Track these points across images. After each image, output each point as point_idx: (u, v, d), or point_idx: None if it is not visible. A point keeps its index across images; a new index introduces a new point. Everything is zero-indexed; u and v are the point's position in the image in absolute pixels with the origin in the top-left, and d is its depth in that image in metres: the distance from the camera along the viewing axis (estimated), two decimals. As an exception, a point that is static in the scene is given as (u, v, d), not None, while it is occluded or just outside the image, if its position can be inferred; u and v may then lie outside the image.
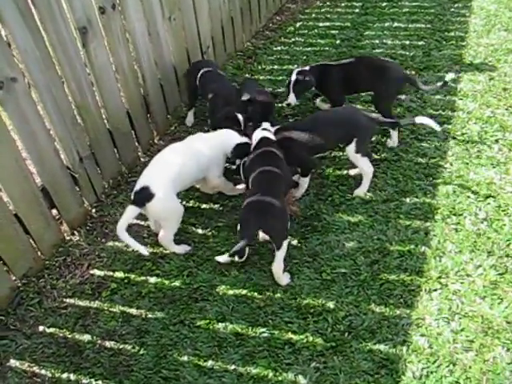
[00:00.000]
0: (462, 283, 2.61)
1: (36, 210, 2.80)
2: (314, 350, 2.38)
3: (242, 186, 3.17)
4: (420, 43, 4.76)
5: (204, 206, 3.21)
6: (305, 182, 3.14)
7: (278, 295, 2.64)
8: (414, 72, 4.31)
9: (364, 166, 3.09)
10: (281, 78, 4.39)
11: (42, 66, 2.60)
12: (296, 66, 4.53)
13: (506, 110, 3.76)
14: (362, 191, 3.13)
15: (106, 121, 3.21)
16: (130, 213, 2.71)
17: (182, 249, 2.92)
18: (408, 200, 3.08)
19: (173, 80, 3.81)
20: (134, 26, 3.26)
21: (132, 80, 3.34)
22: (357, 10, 5.59)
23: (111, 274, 2.87)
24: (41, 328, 2.63)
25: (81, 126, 3.02)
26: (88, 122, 3.05)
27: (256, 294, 2.66)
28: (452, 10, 5.39)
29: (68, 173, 2.97)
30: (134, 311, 2.65)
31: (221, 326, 2.53)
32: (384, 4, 5.65)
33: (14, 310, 2.70)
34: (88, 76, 2.97)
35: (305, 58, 4.70)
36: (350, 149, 3.02)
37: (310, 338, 2.42)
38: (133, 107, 3.40)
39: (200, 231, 3.04)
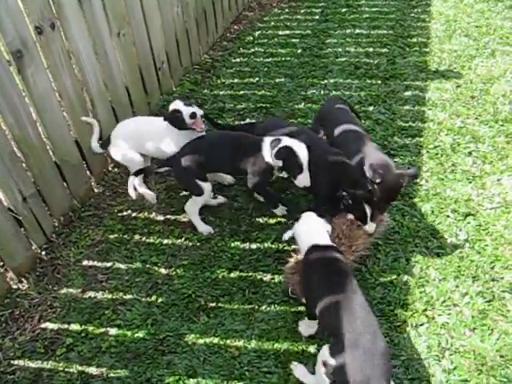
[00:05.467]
0: (449, 314, 2.44)
1: (-28, 260, 2.46)
2: (297, 405, 2.15)
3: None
4: (384, 50, 4.61)
5: (166, 241, 2.92)
6: None
7: (254, 341, 2.39)
8: (379, 81, 4.15)
9: None
10: (242, 92, 4.14)
11: (-31, 99, 2.27)
12: (257, 79, 4.30)
13: (476, 119, 3.65)
14: None
15: (51, 153, 2.88)
16: (97, 150, 3.17)
17: (131, 191, 2.91)
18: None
19: (125, 101, 3.50)
20: (77, 46, 2.94)
21: (79, 106, 3.02)
22: (317, 17, 5.40)
23: (66, 326, 2.55)
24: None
25: (22, 162, 2.68)
26: (30, 156, 2.71)
27: (229, 341, 2.40)
28: (412, 15, 5.29)
29: (10, 215, 2.64)
30: (93, 370, 2.35)
31: (192, 382, 2.27)
32: (344, 10, 5.48)
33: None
34: (27, 106, 2.64)
35: (266, 69, 4.47)
36: None
37: (293, 391, 2.19)
38: (82, 136, 3.08)
39: (163, 271, 2.75)
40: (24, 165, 2.71)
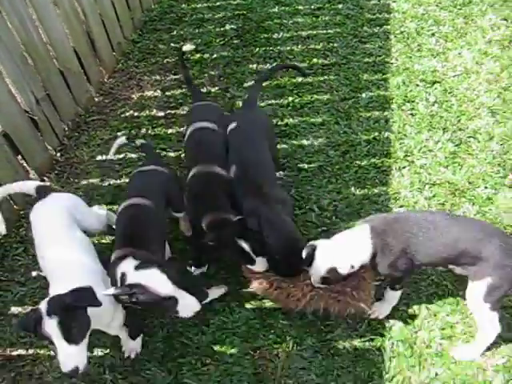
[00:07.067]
0: (426, 158, 2.86)
1: (1, 156, 2.71)
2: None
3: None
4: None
5: (170, 130, 3.22)
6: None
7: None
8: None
9: None
10: (218, 3, 4.29)
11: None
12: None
13: (437, 6, 3.97)
14: None
15: (55, 60, 3.09)
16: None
17: None
18: (364, 95, 3.26)
19: (112, 15, 3.67)
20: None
21: (73, 16, 3.20)
22: None
23: (92, 208, 2.87)
24: (34, 273, 2.62)
25: (31, 66, 2.90)
26: (38, 61, 2.92)
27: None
28: None
29: (27, 117, 2.88)
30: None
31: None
32: None
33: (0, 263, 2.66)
34: (29, 11, 2.82)
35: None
36: None
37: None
38: (79, 45, 3.27)
39: (172, 154, 3.07)
40: (33, 68, 2.92)
